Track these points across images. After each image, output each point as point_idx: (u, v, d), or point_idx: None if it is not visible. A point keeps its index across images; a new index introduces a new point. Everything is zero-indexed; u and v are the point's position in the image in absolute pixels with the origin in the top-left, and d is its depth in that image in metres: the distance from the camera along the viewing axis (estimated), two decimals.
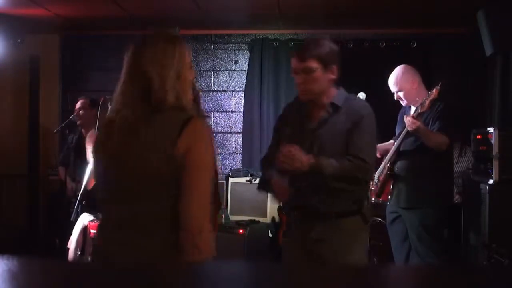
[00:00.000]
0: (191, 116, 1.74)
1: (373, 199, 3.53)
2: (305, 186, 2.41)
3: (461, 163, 4.44)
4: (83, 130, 4.39)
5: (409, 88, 3.55)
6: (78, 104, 4.43)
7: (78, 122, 4.42)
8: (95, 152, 1.84)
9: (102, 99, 3.80)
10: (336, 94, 2.50)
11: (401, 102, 3.63)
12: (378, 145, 3.22)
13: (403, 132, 3.51)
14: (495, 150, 3.48)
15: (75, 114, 4.40)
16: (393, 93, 3.62)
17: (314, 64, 2.44)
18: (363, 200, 2.48)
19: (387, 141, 3.68)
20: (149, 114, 1.72)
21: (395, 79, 3.58)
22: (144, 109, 1.73)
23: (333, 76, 2.47)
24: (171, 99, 1.74)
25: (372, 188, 3.53)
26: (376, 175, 3.58)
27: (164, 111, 1.73)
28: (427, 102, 3.35)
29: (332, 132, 2.42)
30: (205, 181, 1.71)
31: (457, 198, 4.16)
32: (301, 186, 2.42)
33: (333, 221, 2.41)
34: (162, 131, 1.70)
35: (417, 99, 3.47)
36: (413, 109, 3.54)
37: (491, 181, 3.49)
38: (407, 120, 3.39)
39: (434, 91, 3.34)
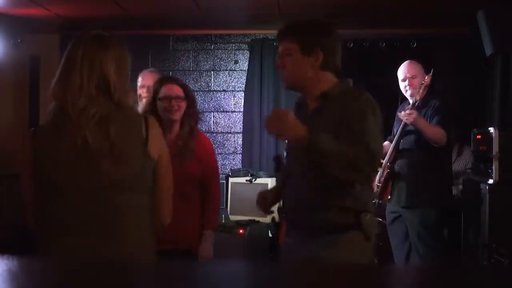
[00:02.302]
0: (145, 115, 1.90)
1: (374, 201, 3.54)
2: (300, 183, 2.13)
3: (459, 162, 4.44)
4: None
5: (420, 76, 3.61)
6: None
7: None
8: (52, 139, 1.80)
9: None
10: (333, 84, 2.18)
11: (406, 93, 3.66)
12: None
13: (400, 128, 3.54)
14: (495, 150, 3.48)
15: None
16: (403, 83, 3.66)
17: (290, 45, 2.12)
18: (363, 209, 2.08)
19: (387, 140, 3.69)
20: (114, 112, 1.78)
21: (410, 65, 3.67)
22: (110, 107, 1.78)
23: (316, 62, 2.12)
24: (129, 100, 1.83)
25: (375, 191, 3.54)
26: (377, 177, 3.59)
27: (124, 111, 1.81)
28: (422, 89, 3.50)
29: (324, 125, 2.05)
30: (171, 175, 1.90)
31: (456, 193, 4.16)
32: (297, 186, 2.15)
33: (327, 237, 2.06)
34: (129, 130, 1.78)
35: (419, 90, 3.54)
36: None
37: (491, 181, 3.49)
38: (402, 115, 3.45)
39: (426, 78, 3.47)
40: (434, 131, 3.44)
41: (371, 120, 2.03)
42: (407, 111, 3.46)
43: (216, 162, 3.10)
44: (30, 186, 1.86)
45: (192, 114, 2.89)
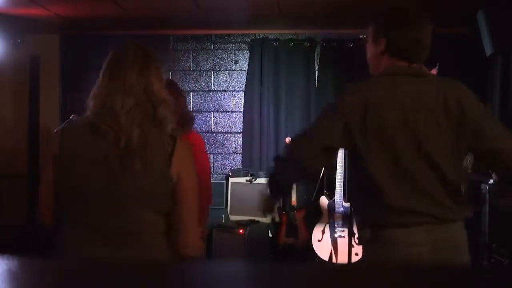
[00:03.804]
0: (177, 133, 1.79)
1: None
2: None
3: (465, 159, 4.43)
4: None
5: None
6: None
7: None
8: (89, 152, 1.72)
9: None
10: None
11: None
12: None
13: None
14: None
15: None
16: None
17: (366, 33, 2.16)
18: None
19: None
20: (152, 122, 1.74)
21: None
22: (150, 116, 1.74)
23: (379, 49, 2.05)
24: (168, 114, 1.77)
25: None
26: None
27: (160, 124, 1.75)
28: None
29: None
30: (194, 200, 1.79)
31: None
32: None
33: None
34: (159, 143, 1.73)
35: None
36: None
37: (491, 181, 3.49)
38: None
39: (433, 71, 3.42)
40: None
41: None
42: None
43: (204, 162, 2.99)
44: (52, 187, 1.77)
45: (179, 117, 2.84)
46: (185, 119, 2.86)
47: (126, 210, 1.69)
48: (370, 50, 2.11)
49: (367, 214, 2.00)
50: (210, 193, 3.08)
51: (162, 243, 1.74)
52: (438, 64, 3.49)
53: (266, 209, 2.28)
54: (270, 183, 2.16)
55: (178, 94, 2.86)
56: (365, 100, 1.92)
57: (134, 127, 1.69)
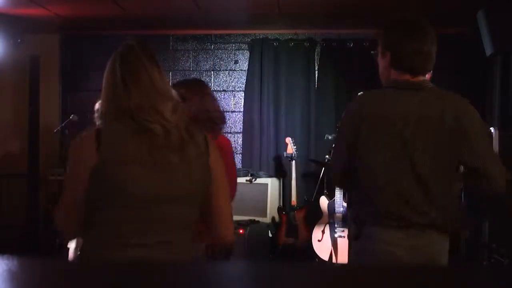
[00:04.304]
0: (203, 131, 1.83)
1: None
2: None
3: None
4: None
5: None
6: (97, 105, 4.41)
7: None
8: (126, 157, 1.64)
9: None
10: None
11: None
12: None
13: None
14: (495, 150, 3.48)
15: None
16: None
17: (378, 47, 2.22)
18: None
19: None
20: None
21: None
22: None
23: (387, 62, 2.15)
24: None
25: None
26: None
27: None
28: None
29: None
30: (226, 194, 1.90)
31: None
32: None
33: None
34: (194, 142, 1.73)
35: None
36: None
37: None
38: None
39: (427, 75, 3.44)
40: None
41: None
42: None
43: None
44: (83, 191, 1.65)
45: (198, 116, 2.77)
46: (210, 120, 2.74)
47: (171, 209, 1.68)
48: (380, 64, 2.19)
49: (356, 213, 2.15)
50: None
51: (189, 238, 1.78)
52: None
53: None
54: None
55: (205, 93, 2.77)
56: (362, 114, 2.06)
57: (181, 125, 1.69)
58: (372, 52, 2.26)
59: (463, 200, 3.60)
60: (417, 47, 2.06)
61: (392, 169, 2.02)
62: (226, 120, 3.00)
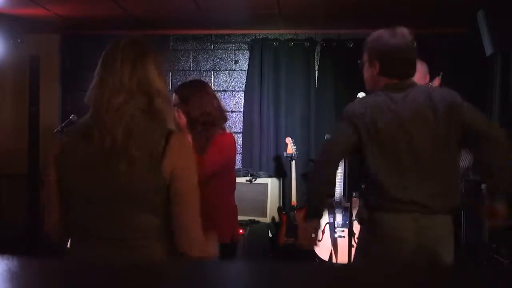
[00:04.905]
0: (171, 130, 1.70)
1: None
2: None
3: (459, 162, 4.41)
4: None
5: (421, 74, 3.60)
6: None
7: None
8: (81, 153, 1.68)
9: None
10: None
11: None
12: None
13: None
14: None
15: None
16: None
17: (364, 57, 2.37)
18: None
19: None
20: (144, 116, 1.69)
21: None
22: (144, 108, 1.69)
23: (375, 71, 2.31)
24: (166, 108, 1.74)
25: None
26: None
27: (155, 117, 1.70)
28: None
29: None
30: (191, 199, 1.70)
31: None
32: None
33: None
34: (149, 139, 1.66)
35: None
36: None
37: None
38: None
39: (435, 81, 3.46)
40: None
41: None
42: None
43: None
44: (55, 191, 1.73)
45: (198, 117, 2.80)
46: (209, 119, 2.79)
47: (119, 213, 1.65)
48: (367, 73, 2.36)
49: (367, 199, 2.32)
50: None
51: (160, 248, 1.67)
52: (441, 73, 3.51)
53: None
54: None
55: (204, 93, 2.82)
56: (365, 109, 2.25)
57: (118, 126, 1.63)
58: (359, 61, 2.40)
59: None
60: (404, 56, 2.28)
61: (397, 158, 2.20)
62: (228, 118, 3.04)
